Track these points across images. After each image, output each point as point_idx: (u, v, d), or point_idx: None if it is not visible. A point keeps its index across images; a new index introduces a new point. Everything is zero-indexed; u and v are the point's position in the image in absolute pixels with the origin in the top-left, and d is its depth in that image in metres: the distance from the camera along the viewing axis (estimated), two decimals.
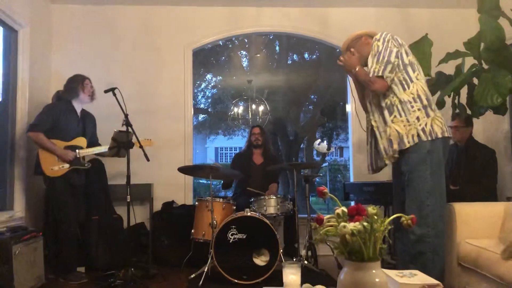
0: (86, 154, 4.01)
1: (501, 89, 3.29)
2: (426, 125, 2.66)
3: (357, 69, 2.86)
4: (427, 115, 2.69)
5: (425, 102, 2.70)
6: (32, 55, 4.41)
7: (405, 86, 2.73)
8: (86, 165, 4.00)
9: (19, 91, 4.25)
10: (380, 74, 2.70)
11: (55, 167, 3.82)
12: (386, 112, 2.78)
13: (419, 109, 2.68)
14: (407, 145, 2.68)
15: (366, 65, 2.87)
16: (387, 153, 2.80)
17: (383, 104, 2.79)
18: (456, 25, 5.02)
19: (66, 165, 3.85)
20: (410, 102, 2.70)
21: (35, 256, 3.51)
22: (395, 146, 2.73)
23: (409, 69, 2.75)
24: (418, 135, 2.66)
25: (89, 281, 3.75)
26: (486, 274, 2.67)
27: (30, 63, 4.36)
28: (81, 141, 4.01)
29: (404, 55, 2.76)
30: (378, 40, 2.77)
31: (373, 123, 2.90)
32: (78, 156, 3.92)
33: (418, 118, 2.67)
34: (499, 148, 4.41)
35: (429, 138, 2.65)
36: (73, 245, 3.93)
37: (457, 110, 3.94)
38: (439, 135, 2.67)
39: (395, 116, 2.73)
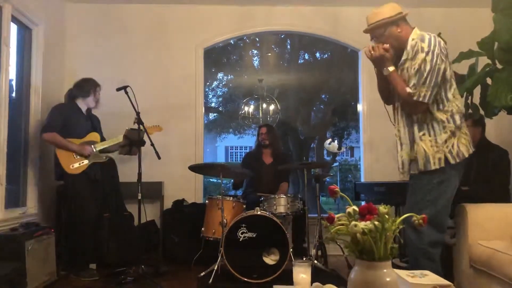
0: (102, 147, 4.04)
1: None
2: (453, 146, 2.54)
3: (391, 71, 2.59)
4: (454, 135, 2.55)
5: (458, 122, 2.54)
6: (46, 53, 4.46)
7: (441, 105, 2.55)
8: (104, 158, 4.05)
9: (32, 89, 4.30)
10: (426, 101, 2.49)
11: (75, 164, 3.87)
12: (416, 127, 2.61)
13: (451, 131, 2.53)
14: (432, 168, 2.55)
15: (398, 51, 2.63)
16: (403, 168, 2.70)
17: (414, 118, 2.62)
18: (469, 24, 4.97)
19: (85, 161, 3.90)
20: (443, 122, 2.54)
21: (47, 252, 3.55)
22: (421, 167, 2.59)
23: (448, 86, 2.55)
24: (446, 159, 2.53)
25: (100, 277, 3.78)
26: (498, 276, 2.64)
27: (43, 61, 4.41)
28: (94, 136, 4.07)
29: (448, 69, 2.53)
30: (427, 54, 2.46)
31: (396, 132, 2.75)
32: (94, 150, 3.96)
33: (446, 141, 2.54)
34: None
35: (457, 160, 2.54)
36: (89, 243, 3.96)
37: (470, 110, 3.90)
38: (466, 155, 2.57)
39: (424, 134, 2.58)
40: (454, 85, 2.60)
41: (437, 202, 2.57)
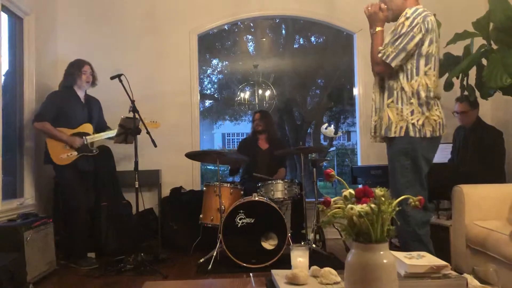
0: (94, 140, 4.02)
1: (510, 70, 3.23)
2: (417, 121, 2.57)
3: (376, 30, 2.69)
4: (422, 113, 2.58)
5: (422, 99, 2.57)
6: (38, 42, 4.41)
7: (409, 76, 2.60)
8: (94, 151, 4.02)
9: (25, 79, 4.27)
10: (388, 61, 2.57)
11: (64, 155, 3.84)
12: (386, 94, 2.69)
13: (415, 104, 2.58)
14: (392, 135, 2.62)
15: (395, 19, 2.68)
16: (375, 133, 2.77)
17: (386, 85, 2.70)
18: (464, 5, 4.92)
19: (75, 153, 3.88)
20: (408, 95, 2.59)
21: (46, 242, 3.57)
22: (382, 132, 2.68)
23: (422, 61, 2.59)
24: (407, 128, 2.58)
25: (100, 266, 3.80)
26: (494, 256, 2.67)
27: (36, 50, 4.37)
28: (87, 127, 4.03)
29: (426, 44, 2.56)
30: (407, 19, 2.55)
31: (372, 97, 2.82)
32: (85, 142, 3.94)
33: (412, 112, 2.58)
34: (508, 130, 4.36)
35: (417, 135, 2.57)
36: (84, 231, 3.98)
37: (466, 92, 3.90)
38: (428, 135, 2.58)
39: (392, 101, 2.64)
40: (432, 65, 2.61)
41: (414, 182, 2.60)
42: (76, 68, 4.00)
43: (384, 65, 2.62)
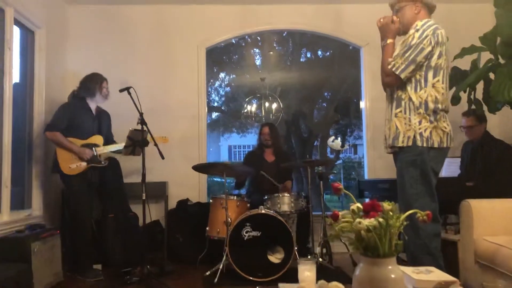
0: (103, 152, 4.05)
1: None
2: (425, 130, 2.59)
3: (387, 42, 2.72)
4: (430, 122, 2.60)
5: (430, 110, 2.60)
6: (48, 55, 4.48)
7: (418, 88, 2.62)
8: (103, 162, 4.05)
9: (35, 90, 4.31)
10: (397, 72, 2.60)
11: (73, 165, 3.87)
12: (394, 104, 2.72)
13: (423, 114, 2.60)
14: (400, 144, 2.63)
15: (406, 32, 2.72)
16: (386, 142, 2.78)
17: (395, 95, 2.72)
18: (471, 20, 4.95)
19: (84, 163, 3.90)
20: (416, 105, 2.61)
21: (53, 253, 3.57)
22: (389, 142, 2.70)
23: (430, 73, 2.61)
24: (414, 138, 2.59)
25: (106, 278, 3.80)
26: (504, 271, 2.63)
27: (46, 63, 4.43)
28: (98, 139, 4.06)
29: (435, 56, 2.59)
30: (417, 31, 2.60)
31: (386, 108, 2.84)
32: (95, 154, 3.97)
33: (420, 122, 2.60)
34: None
35: (424, 145, 2.58)
36: (89, 243, 3.98)
37: (473, 106, 3.89)
38: (435, 145, 2.60)
39: (400, 111, 2.67)
40: (440, 78, 2.63)
41: (423, 194, 2.60)
42: (96, 82, 4.07)
43: (394, 76, 2.64)
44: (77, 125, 3.97)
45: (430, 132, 2.59)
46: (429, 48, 2.57)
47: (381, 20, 2.76)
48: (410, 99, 2.63)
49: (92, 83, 4.07)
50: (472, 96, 3.87)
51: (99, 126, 4.13)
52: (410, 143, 2.60)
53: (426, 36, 2.57)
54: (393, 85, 2.70)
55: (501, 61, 3.57)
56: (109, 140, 4.21)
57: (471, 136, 4.05)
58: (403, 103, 2.66)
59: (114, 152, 4.14)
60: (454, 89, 3.86)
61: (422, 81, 2.62)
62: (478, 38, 3.69)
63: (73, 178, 3.89)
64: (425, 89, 2.61)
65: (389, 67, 2.63)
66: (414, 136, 2.60)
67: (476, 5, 5.06)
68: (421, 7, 2.72)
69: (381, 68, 2.73)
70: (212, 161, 4.57)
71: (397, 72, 2.60)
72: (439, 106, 2.62)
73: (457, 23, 4.83)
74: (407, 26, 2.71)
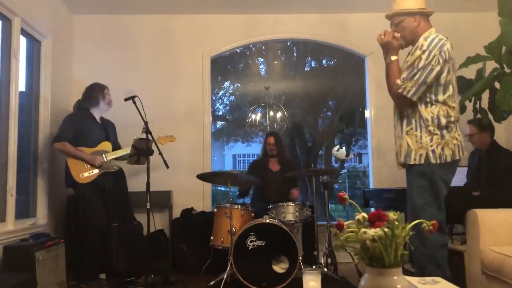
0: (113, 157, 4.06)
1: None
2: (437, 147, 2.57)
3: (392, 60, 2.66)
4: (442, 137, 2.58)
5: (443, 124, 2.58)
6: (54, 64, 4.51)
7: (428, 104, 2.60)
8: (114, 167, 4.06)
9: (41, 100, 4.34)
10: (409, 95, 2.57)
11: (85, 174, 3.88)
12: (404, 122, 2.70)
13: (434, 131, 2.58)
14: (412, 162, 2.62)
15: (408, 45, 2.70)
16: (398, 159, 2.76)
17: (404, 113, 2.70)
18: (476, 29, 4.96)
19: (96, 170, 3.91)
20: (427, 121, 2.59)
21: (58, 262, 3.57)
22: (401, 159, 2.68)
23: (440, 90, 2.58)
24: (427, 155, 2.58)
25: (110, 287, 3.78)
26: (510, 282, 2.60)
27: (52, 73, 4.46)
28: (106, 145, 4.08)
29: (445, 73, 2.55)
30: (424, 52, 2.53)
31: (394, 125, 2.83)
32: (105, 160, 3.98)
33: (431, 139, 2.58)
34: None
35: (438, 162, 2.57)
36: (100, 251, 3.96)
37: (478, 115, 3.88)
38: (448, 159, 2.58)
39: (411, 128, 2.65)
40: (451, 92, 2.60)
41: (431, 204, 2.59)
42: (98, 90, 4.10)
43: (405, 99, 2.61)
44: (85, 134, 3.99)
45: (442, 148, 2.57)
46: (438, 68, 2.53)
47: (382, 36, 2.69)
48: (420, 116, 2.61)
49: (94, 92, 4.09)
50: (477, 105, 3.85)
51: (106, 134, 4.15)
52: (422, 161, 2.59)
53: (434, 56, 2.52)
54: (405, 106, 2.67)
55: (507, 70, 3.56)
56: (116, 149, 4.21)
57: (476, 145, 4.04)
58: (413, 120, 2.64)
59: (121, 157, 4.13)
60: (459, 98, 3.84)
61: (433, 97, 2.59)
62: (482, 47, 3.68)
63: (87, 188, 3.88)
64: (436, 105, 2.59)
65: (399, 91, 2.60)
66: (427, 154, 2.58)
67: (480, 14, 5.07)
68: (420, 18, 2.68)
69: (389, 87, 2.70)
70: (217, 170, 4.57)
71: (408, 96, 2.57)
72: (452, 119, 2.61)
73: (461, 32, 4.83)
74: (409, 40, 2.69)
